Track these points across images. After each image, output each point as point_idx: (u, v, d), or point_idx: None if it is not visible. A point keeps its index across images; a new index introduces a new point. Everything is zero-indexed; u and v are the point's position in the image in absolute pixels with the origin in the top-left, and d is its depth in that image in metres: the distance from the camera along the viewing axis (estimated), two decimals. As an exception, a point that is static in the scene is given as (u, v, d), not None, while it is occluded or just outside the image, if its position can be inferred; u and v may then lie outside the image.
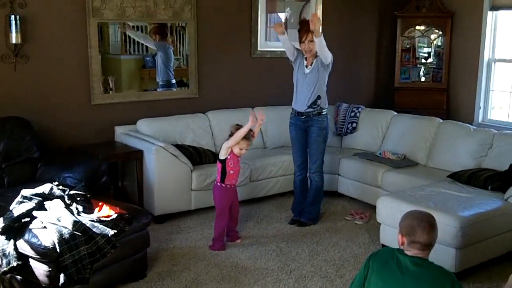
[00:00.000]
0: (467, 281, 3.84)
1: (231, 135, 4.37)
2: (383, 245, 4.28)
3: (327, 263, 4.15)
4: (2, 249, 3.31)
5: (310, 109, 4.82)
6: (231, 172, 4.36)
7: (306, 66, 4.80)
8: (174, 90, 5.93)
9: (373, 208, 4.71)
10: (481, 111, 6.86)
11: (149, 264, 3.99)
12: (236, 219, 4.55)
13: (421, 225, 2.62)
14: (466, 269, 3.88)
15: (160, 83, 5.87)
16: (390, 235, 4.16)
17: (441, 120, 5.62)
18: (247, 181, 5.34)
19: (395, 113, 6.11)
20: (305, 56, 4.81)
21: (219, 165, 4.39)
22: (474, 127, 5.38)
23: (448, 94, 7.07)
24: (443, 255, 3.77)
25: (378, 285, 2.69)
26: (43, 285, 3.25)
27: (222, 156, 4.35)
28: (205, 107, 5.91)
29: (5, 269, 3.28)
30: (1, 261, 3.30)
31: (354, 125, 6.18)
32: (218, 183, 4.41)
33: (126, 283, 3.74)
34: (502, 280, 3.51)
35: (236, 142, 4.29)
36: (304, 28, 4.69)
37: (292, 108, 4.97)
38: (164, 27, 5.76)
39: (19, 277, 3.38)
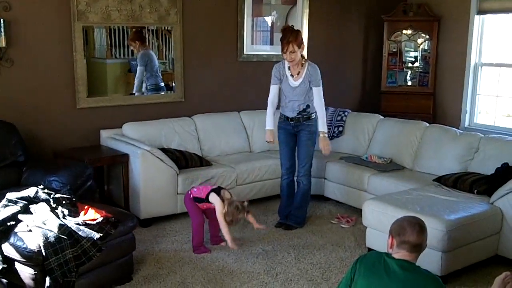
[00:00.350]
0: (453, 284, 3.86)
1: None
2: (369, 249, 4.29)
3: (313, 266, 4.15)
4: (-14, 253, 3.27)
5: (299, 116, 4.83)
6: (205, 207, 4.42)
7: (293, 76, 4.79)
8: (162, 93, 5.91)
9: (359, 212, 4.72)
10: (467, 115, 6.92)
11: (135, 267, 3.97)
12: (215, 225, 4.46)
13: (411, 226, 2.67)
14: (452, 273, 3.90)
15: (149, 87, 5.85)
16: (376, 239, 4.18)
17: (427, 124, 5.65)
18: (233, 185, 5.33)
19: (382, 117, 6.14)
20: (288, 66, 4.81)
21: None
22: (461, 131, 5.42)
23: (435, 98, 7.12)
24: (429, 258, 3.78)
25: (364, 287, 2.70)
26: (27, 289, 3.22)
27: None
28: (191, 111, 5.90)
29: (-11, 272, 3.25)
30: (-15, 265, 3.27)
31: (340, 129, 6.20)
32: (190, 195, 4.41)
33: (112, 287, 3.70)
34: (488, 283, 3.54)
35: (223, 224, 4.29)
36: (285, 39, 4.64)
37: (281, 113, 4.96)
38: (142, 32, 5.73)
39: (4, 280, 3.35)
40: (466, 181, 4.60)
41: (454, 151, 5.12)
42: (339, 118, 6.24)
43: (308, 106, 4.79)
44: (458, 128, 5.77)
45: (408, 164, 5.51)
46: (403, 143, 5.61)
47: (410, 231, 2.64)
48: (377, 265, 2.67)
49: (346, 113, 6.30)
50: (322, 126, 4.82)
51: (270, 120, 4.93)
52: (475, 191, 4.47)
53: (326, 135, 4.87)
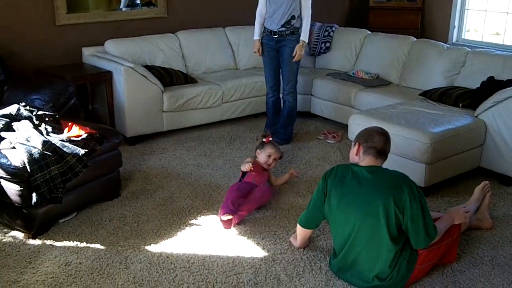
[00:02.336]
0: (436, 195, 3.95)
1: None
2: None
3: (298, 180, 4.20)
4: (-29, 171, 3.26)
5: (283, 29, 4.72)
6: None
7: None
8: (144, 8, 5.73)
9: (345, 128, 4.74)
10: (455, 30, 6.82)
11: (123, 184, 4.00)
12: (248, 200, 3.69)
13: (378, 134, 2.81)
14: (435, 184, 3.97)
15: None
16: (362, 152, 4.21)
17: (415, 39, 5.58)
18: (219, 103, 5.30)
19: (369, 32, 6.04)
20: None
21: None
22: (448, 46, 5.35)
23: (423, 14, 6.99)
24: (413, 170, 3.84)
25: (339, 200, 2.78)
26: (16, 204, 3.23)
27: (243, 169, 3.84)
28: (174, 27, 5.76)
29: (-25, 190, 3.25)
30: (-29, 182, 3.27)
31: (327, 44, 6.10)
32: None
33: (100, 202, 3.75)
34: (470, 194, 3.62)
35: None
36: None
37: (264, 27, 4.85)
38: None
39: (-9, 197, 3.35)
40: (452, 95, 4.60)
41: (440, 65, 5.09)
42: (326, 33, 6.13)
43: (293, 17, 4.67)
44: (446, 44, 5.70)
45: (395, 80, 5.48)
46: (390, 58, 5.56)
47: (378, 138, 2.78)
48: (347, 176, 2.78)
49: (333, 29, 6.18)
50: (304, 35, 4.73)
51: (257, 30, 4.87)
52: (460, 104, 4.48)
53: (305, 45, 4.77)
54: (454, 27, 6.79)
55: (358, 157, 2.82)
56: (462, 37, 6.84)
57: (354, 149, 2.84)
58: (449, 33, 6.82)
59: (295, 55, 4.71)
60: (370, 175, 2.73)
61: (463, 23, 6.81)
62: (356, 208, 2.72)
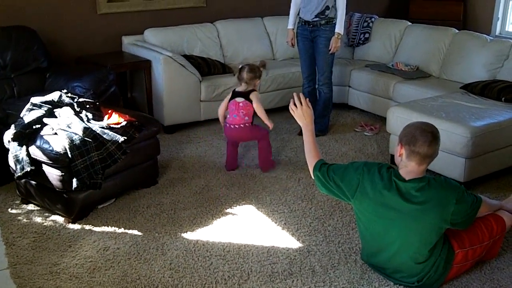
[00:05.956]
0: (475, 190, 3.86)
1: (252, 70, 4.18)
2: (392, 156, 4.28)
3: (336, 172, 4.17)
4: (16, 155, 3.36)
5: (317, 19, 4.68)
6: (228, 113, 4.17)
7: None
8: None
9: (383, 120, 4.68)
10: (499, 22, 6.63)
11: (160, 172, 4.05)
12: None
13: (423, 135, 2.52)
14: (475, 179, 3.89)
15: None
16: (400, 145, 4.16)
17: (457, 31, 5.45)
18: (256, 93, 5.30)
19: (410, 23, 5.93)
20: None
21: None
22: (491, 38, 5.22)
23: (465, 4, 6.81)
24: (453, 164, 3.79)
25: (375, 205, 2.64)
26: (57, 189, 3.32)
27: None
28: (213, 17, 5.78)
29: (19, 174, 3.35)
30: (15, 166, 3.36)
31: (366, 35, 6.03)
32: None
33: (138, 189, 3.81)
34: (511, 191, 3.54)
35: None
36: None
37: (300, 17, 4.83)
38: None
39: (33, 182, 3.44)
40: (494, 88, 4.48)
41: (483, 58, 4.97)
42: (365, 24, 6.05)
43: (327, 7, 4.62)
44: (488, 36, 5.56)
45: (435, 72, 5.38)
46: (430, 50, 5.45)
47: (422, 141, 2.51)
48: (390, 188, 2.57)
49: (373, 19, 6.10)
50: (339, 27, 4.65)
51: (292, 19, 4.87)
52: (503, 98, 4.36)
53: (341, 37, 4.69)
54: (498, 19, 6.61)
55: (401, 158, 2.62)
56: (506, 29, 6.66)
57: (397, 148, 2.64)
58: (492, 25, 6.64)
59: (331, 48, 4.66)
60: (417, 193, 2.55)
61: (507, 15, 6.62)
62: (401, 225, 2.61)
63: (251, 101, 4.07)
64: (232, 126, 4.08)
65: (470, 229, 2.76)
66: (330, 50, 4.67)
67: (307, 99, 2.80)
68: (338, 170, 2.73)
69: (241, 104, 4.07)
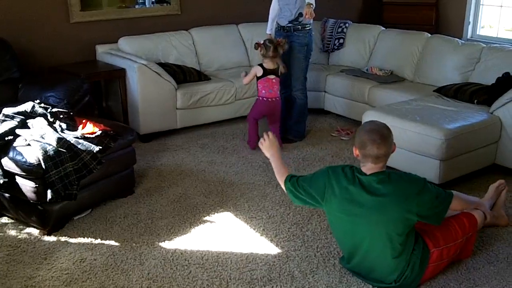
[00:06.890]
0: (450, 192, 3.91)
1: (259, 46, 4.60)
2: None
3: (313, 178, 4.19)
4: (-13, 168, 3.29)
5: (291, 25, 4.73)
6: (260, 87, 4.69)
7: None
8: (158, 5, 5.74)
9: (359, 124, 4.69)
10: (470, 26, 6.75)
11: (137, 181, 4.02)
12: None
13: (371, 138, 2.61)
14: (450, 181, 3.94)
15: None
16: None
17: (429, 35, 5.53)
18: (232, 100, 5.30)
19: (383, 28, 6.01)
20: None
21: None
22: (462, 41, 5.31)
23: (438, 9, 6.92)
24: (428, 166, 3.83)
25: (340, 203, 2.72)
26: (31, 201, 3.26)
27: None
28: (188, 24, 5.77)
29: (-9, 186, 3.29)
30: (-13, 179, 3.30)
31: (341, 41, 6.08)
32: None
33: (114, 199, 3.77)
34: (484, 191, 3.59)
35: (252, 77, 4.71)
36: None
37: (276, 23, 4.88)
38: None
39: (7, 194, 3.37)
40: (467, 91, 4.55)
41: (455, 61, 5.04)
42: (339, 30, 6.10)
43: (301, 14, 4.65)
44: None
45: (409, 76, 5.45)
46: (404, 54, 5.52)
47: (370, 145, 2.60)
48: (352, 183, 2.68)
49: (347, 25, 6.15)
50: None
51: (270, 24, 4.94)
52: (475, 101, 4.43)
53: (313, 7, 4.50)
54: (469, 22, 6.73)
55: (359, 158, 2.72)
56: (477, 33, 6.77)
57: (354, 150, 2.74)
58: (464, 29, 6.75)
59: (306, 15, 4.48)
60: (379, 185, 2.63)
61: (478, 19, 6.74)
62: (367, 219, 2.66)
63: (279, 77, 4.67)
64: (270, 100, 4.66)
65: (444, 228, 2.82)
66: (306, 16, 4.48)
67: (271, 133, 3.10)
68: (306, 178, 2.88)
69: (274, 81, 4.64)
